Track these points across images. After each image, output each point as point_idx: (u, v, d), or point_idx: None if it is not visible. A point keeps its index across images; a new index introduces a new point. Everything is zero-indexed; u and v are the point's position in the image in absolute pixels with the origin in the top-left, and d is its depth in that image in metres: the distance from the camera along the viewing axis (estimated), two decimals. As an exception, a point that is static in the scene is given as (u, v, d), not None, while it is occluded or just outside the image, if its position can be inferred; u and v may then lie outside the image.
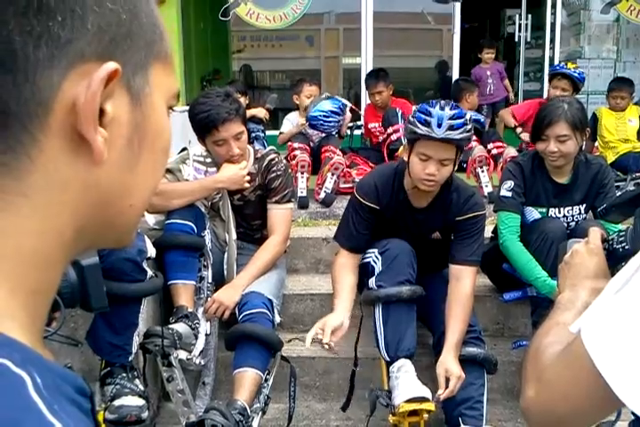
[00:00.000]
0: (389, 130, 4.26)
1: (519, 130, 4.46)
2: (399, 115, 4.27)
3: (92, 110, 0.39)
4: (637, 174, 4.02)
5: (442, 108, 2.12)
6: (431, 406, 1.96)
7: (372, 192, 2.31)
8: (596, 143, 4.63)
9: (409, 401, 1.94)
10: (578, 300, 0.96)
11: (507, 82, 6.42)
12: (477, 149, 4.03)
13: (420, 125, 2.12)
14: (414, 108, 2.29)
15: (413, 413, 1.96)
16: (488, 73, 6.22)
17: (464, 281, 2.25)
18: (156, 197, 2.40)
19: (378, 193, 2.30)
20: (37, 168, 0.39)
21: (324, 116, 4.15)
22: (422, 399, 1.95)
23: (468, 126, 2.14)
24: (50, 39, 0.38)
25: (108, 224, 0.45)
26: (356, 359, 2.36)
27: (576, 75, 4.30)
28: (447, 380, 2.05)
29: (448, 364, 2.07)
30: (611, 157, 4.44)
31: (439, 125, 2.09)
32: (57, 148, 0.40)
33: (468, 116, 2.17)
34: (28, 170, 0.39)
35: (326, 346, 2.03)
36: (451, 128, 2.09)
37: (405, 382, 2.00)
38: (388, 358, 2.16)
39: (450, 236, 2.41)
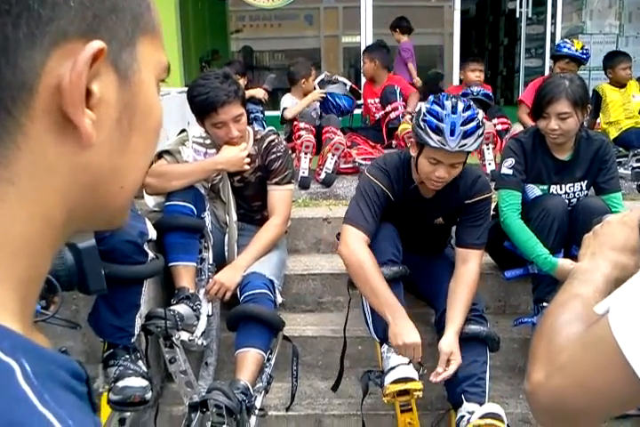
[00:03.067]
0: (388, 108, 4.22)
1: None
2: (397, 92, 4.24)
3: (79, 92, 0.38)
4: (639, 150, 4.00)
5: (454, 111, 2.02)
6: (417, 384, 1.97)
7: (386, 178, 2.25)
8: (599, 119, 4.58)
9: (395, 382, 1.96)
10: (597, 271, 0.85)
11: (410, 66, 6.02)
12: (485, 126, 4.00)
13: (432, 134, 2.01)
14: (423, 106, 2.14)
15: (404, 392, 1.98)
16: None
17: (470, 264, 2.24)
18: (155, 178, 2.40)
19: (390, 179, 2.25)
20: (24, 154, 0.38)
21: (334, 105, 4.17)
22: (407, 379, 1.96)
23: (481, 129, 2.06)
24: (30, 18, 0.36)
25: (98, 207, 0.44)
26: (345, 340, 2.37)
27: (584, 57, 4.27)
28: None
29: (453, 346, 2.06)
30: (614, 133, 4.40)
31: (452, 132, 2.00)
32: (43, 132, 0.38)
33: (480, 116, 2.09)
34: (15, 156, 0.38)
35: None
36: (464, 136, 2.01)
37: (394, 363, 2.01)
38: (377, 339, 2.17)
39: (453, 220, 2.40)
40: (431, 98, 2.14)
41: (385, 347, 2.12)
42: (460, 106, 2.04)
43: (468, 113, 2.04)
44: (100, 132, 0.40)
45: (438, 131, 2.01)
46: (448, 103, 2.05)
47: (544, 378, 0.74)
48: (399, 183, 2.26)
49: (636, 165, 3.88)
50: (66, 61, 0.38)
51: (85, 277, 1.06)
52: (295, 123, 4.13)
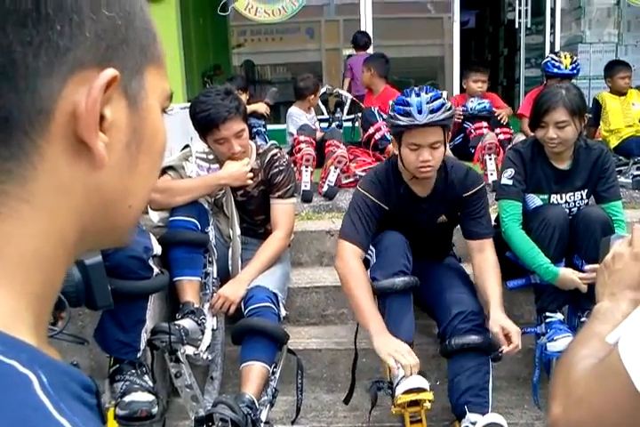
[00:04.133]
0: (371, 130, 4.22)
1: None
2: (376, 113, 4.24)
3: (94, 117, 0.40)
4: (640, 158, 4.01)
5: (417, 95, 2.15)
6: (429, 395, 1.98)
7: (378, 188, 2.31)
8: (599, 128, 4.60)
9: (407, 392, 1.96)
10: (618, 311, 0.86)
11: None
12: (489, 136, 4.02)
13: (400, 117, 2.14)
14: (390, 102, 2.31)
15: (414, 403, 1.98)
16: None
17: (487, 252, 2.34)
18: (159, 194, 2.43)
19: (383, 188, 2.31)
20: (39, 174, 0.40)
21: None
22: (419, 390, 1.97)
23: (448, 105, 2.16)
24: (49, 48, 0.39)
25: (109, 225, 0.46)
26: (357, 352, 2.38)
27: (575, 72, 4.29)
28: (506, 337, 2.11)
29: (502, 321, 2.13)
30: (614, 142, 4.41)
31: (420, 112, 2.11)
32: (58, 153, 0.41)
33: (444, 95, 2.19)
34: (31, 176, 0.40)
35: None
36: (432, 111, 2.11)
37: (403, 374, 2.02)
38: None
39: (454, 217, 2.44)
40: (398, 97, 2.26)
41: None
42: (423, 90, 2.18)
43: (432, 94, 2.16)
44: (110, 154, 0.42)
45: (406, 113, 2.12)
46: (412, 91, 2.19)
47: (563, 412, 0.74)
48: (392, 189, 2.32)
49: (636, 173, 3.89)
50: (81, 88, 0.40)
51: (92, 293, 1.08)
52: (295, 136, 4.16)
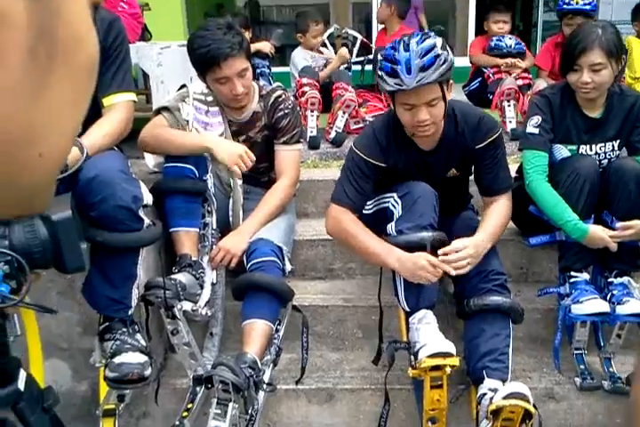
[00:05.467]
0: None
1: None
2: None
3: None
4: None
5: (406, 48, 1.92)
6: (455, 361, 1.83)
7: (375, 147, 2.13)
8: (624, 75, 4.32)
9: (432, 356, 1.81)
10: None
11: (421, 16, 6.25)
12: (508, 81, 3.79)
13: (387, 79, 1.94)
14: (379, 57, 2.07)
15: (435, 367, 1.84)
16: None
17: (501, 201, 2.18)
18: (151, 137, 2.23)
19: (381, 147, 2.13)
20: None
21: None
22: (446, 354, 1.82)
23: (443, 56, 1.92)
24: None
25: (7, 178, 0.32)
26: (381, 309, 2.23)
27: (587, 8, 3.92)
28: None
29: (466, 240, 2.02)
30: (639, 90, 4.16)
31: (408, 71, 1.89)
32: None
33: (439, 43, 1.95)
34: None
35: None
36: (422, 69, 1.89)
37: (428, 336, 1.87)
38: (407, 309, 2.02)
39: (467, 169, 2.26)
40: (389, 44, 2.02)
41: (415, 318, 1.97)
42: (414, 40, 1.94)
43: (424, 45, 1.93)
44: (1, 64, 0.27)
45: (394, 73, 1.92)
46: (401, 42, 1.95)
47: None
48: (393, 146, 2.13)
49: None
50: None
51: (62, 254, 0.90)
52: (298, 78, 3.90)
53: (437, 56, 1.91)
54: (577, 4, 3.93)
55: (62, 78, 0.31)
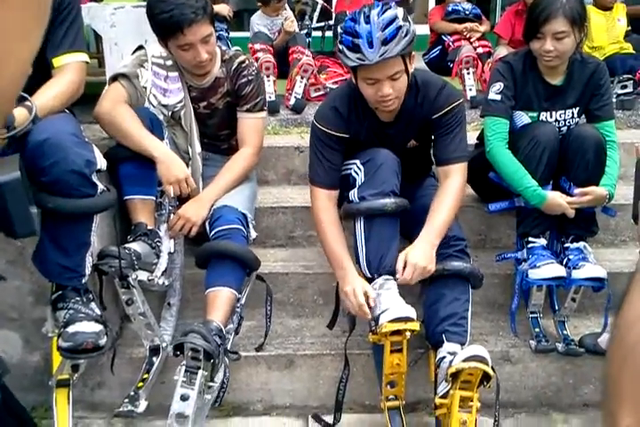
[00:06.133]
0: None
1: None
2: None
3: None
4: (624, 76, 3.81)
5: (367, 21, 1.86)
6: (416, 325, 1.84)
7: (336, 119, 2.08)
8: (581, 44, 4.34)
9: (393, 321, 1.81)
10: None
11: None
12: (465, 49, 3.76)
13: (348, 53, 1.88)
14: (339, 29, 2.00)
15: (396, 332, 1.84)
16: None
17: (453, 177, 2.08)
18: (106, 112, 2.15)
19: (343, 118, 2.08)
20: None
21: None
22: (407, 319, 1.83)
23: (405, 28, 1.87)
24: None
25: None
26: None
27: None
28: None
29: (410, 251, 1.97)
30: (597, 59, 4.18)
31: (370, 44, 1.84)
32: None
33: (400, 14, 1.89)
34: None
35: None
36: (384, 42, 1.84)
37: (389, 301, 1.87)
38: (369, 275, 2.01)
39: (427, 139, 2.23)
40: (349, 15, 1.96)
41: (377, 283, 1.97)
42: (375, 12, 1.88)
43: (385, 16, 1.88)
44: None
45: (355, 47, 1.87)
46: (361, 14, 1.89)
47: (636, 424, 0.56)
48: (354, 116, 2.09)
49: (620, 92, 3.70)
50: None
51: (10, 218, 0.84)
52: (250, 45, 3.80)
53: (399, 28, 1.86)
54: None
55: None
